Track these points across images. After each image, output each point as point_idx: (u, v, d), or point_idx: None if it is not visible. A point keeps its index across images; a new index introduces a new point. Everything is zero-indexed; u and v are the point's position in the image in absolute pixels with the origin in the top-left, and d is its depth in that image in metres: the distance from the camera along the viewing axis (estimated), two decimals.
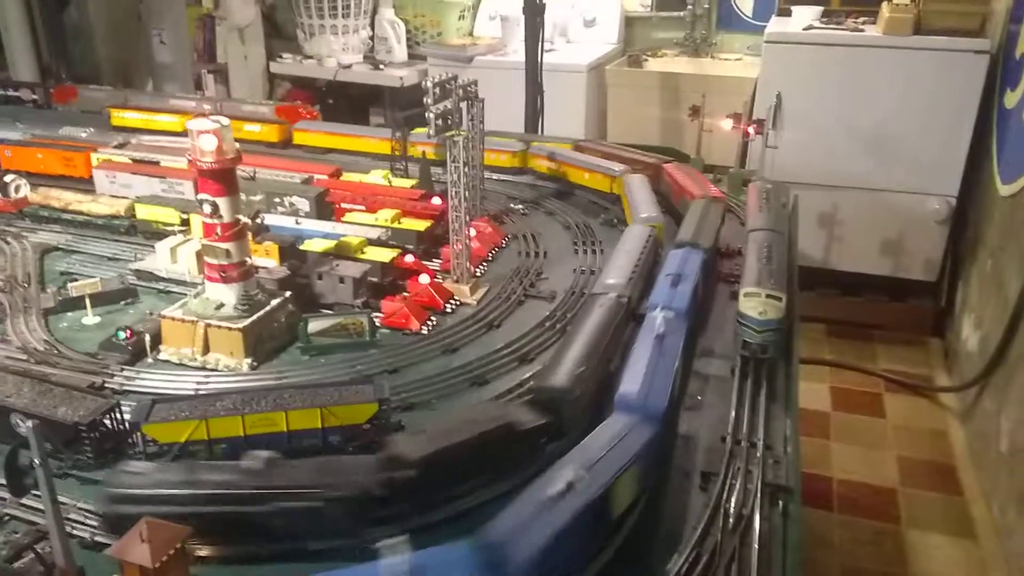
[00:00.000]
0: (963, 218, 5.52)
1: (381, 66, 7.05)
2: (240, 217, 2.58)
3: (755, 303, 2.45)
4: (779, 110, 3.74)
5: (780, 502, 1.95)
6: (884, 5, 5.33)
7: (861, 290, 5.94)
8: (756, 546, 1.79)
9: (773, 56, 5.45)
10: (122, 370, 2.51)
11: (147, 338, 2.62)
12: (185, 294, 2.79)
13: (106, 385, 2.44)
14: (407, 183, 3.80)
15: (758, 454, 2.09)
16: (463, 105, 3.05)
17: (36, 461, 1.45)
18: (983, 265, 4.95)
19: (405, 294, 2.92)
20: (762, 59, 5.53)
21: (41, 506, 1.60)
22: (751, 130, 3.85)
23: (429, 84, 2.81)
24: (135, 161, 3.93)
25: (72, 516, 1.88)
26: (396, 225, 3.29)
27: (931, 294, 5.86)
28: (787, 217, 3.32)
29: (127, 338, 2.60)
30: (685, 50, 7.01)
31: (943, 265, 5.67)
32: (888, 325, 5.91)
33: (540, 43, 5.47)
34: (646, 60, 6.72)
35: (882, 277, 5.80)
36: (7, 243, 3.44)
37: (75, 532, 1.85)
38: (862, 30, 5.42)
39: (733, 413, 2.26)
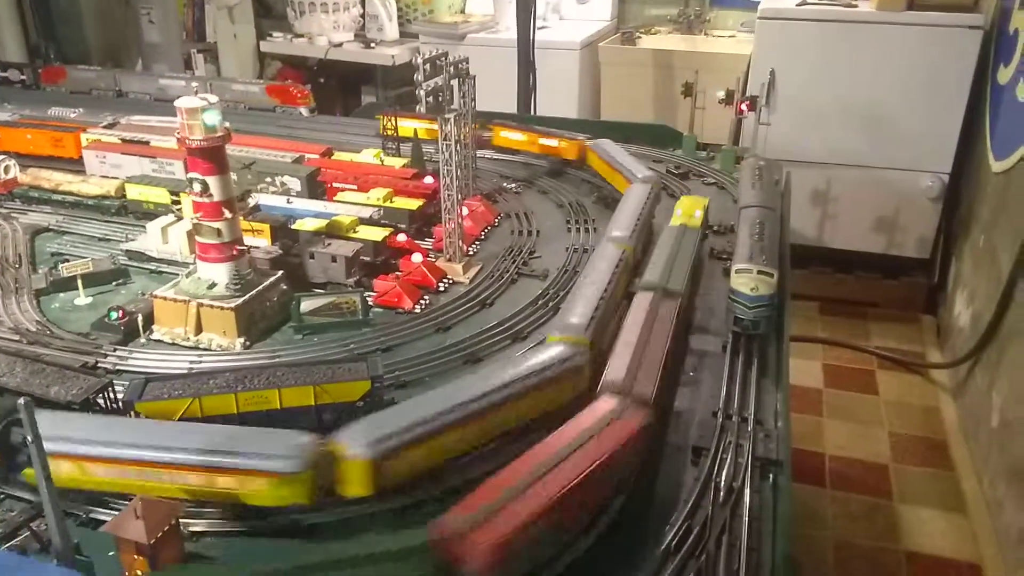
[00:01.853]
0: (956, 195, 5.52)
1: (372, 44, 7.00)
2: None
3: (746, 279, 2.46)
4: (772, 87, 3.74)
5: (770, 475, 1.96)
6: None
7: (854, 267, 5.95)
8: (746, 518, 1.81)
9: (766, 33, 5.42)
10: (115, 350, 2.51)
11: (139, 318, 2.62)
12: (177, 274, 2.79)
13: (99, 365, 2.44)
14: (399, 162, 3.79)
15: (749, 428, 2.10)
16: (454, 82, 3.04)
17: (29, 438, 1.45)
18: (976, 241, 4.97)
19: (398, 273, 2.92)
20: (755, 36, 5.51)
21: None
22: (744, 107, 3.84)
23: (420, 61, 2.79)
24: (125, 141, 3.91)
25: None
26: (388, 204, 3.28)
27: (924, 271, 5.87)
28: (779, 194, 3.32)
29: (119, 318, 2.60)
30: (678, 27, 6.97)
31: (936, 242, 5.69)
32: (881, 302, 5.93)
33: (532, 20, 5.43)
34: (639, 37, 6.68)
35: (875, 254, 5.81)
36: None
37: (70, 509, 1.86)
38: (855, 6, 5.39)
39: (724, 388, 2.27)
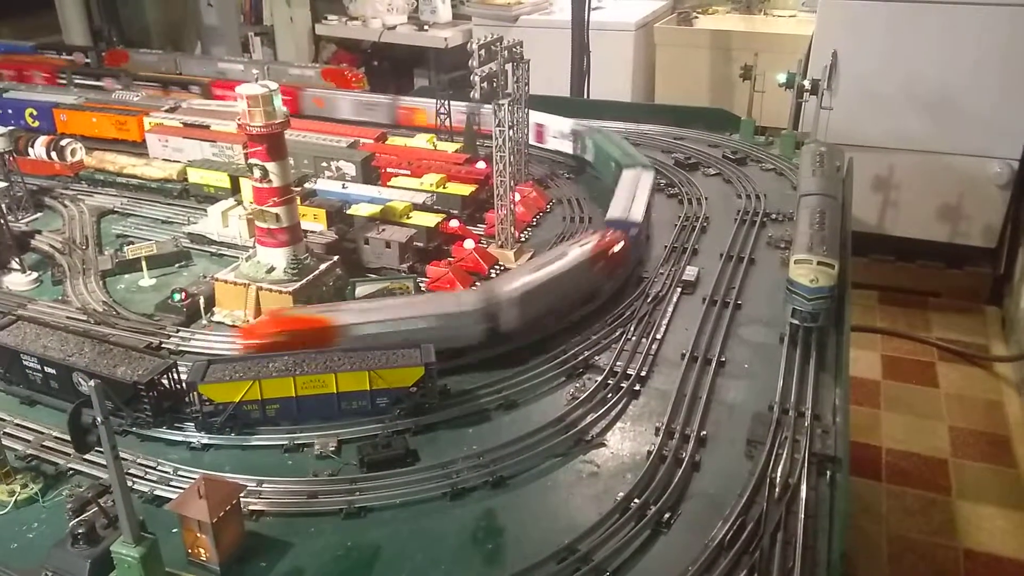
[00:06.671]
0: None
1: (425, 27, 7.00)
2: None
3: (806, 270, 2.41)
4: (835, 69, 3.61)
5: (828, 472, 1.93)
6: None
7: (916, 256, 5.77)
8: (802, 515, 1.78)
9: (829, 13, 5.25)
10: (178, 331, 2.58)
11: (201, 300, 2.69)
12: (237, 257, 2.84)
13: (163, 346, 2.51)
14: (451, 147, 3.79)
15: (806, 423, 2.06)
16: (508, 67, 3.02)
17: (99, 419, 1.50)
18: None
19: (450, 259, 2.93)
20: (818, 16, 5.34)
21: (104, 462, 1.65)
22: (806, 83, 3.70)
23: (474, 47, 2.78)
24: (186, 125, 3.98)
25: (133, 471, 1.96)
26: (441, 190, 3.30)
27: (989, 260, 5.67)
28: (841, 181, 3.23)
29: (182, 300, 2.67)
30: (737, 6, 6.80)
31: (1003, 230, 5.48)
32: (943, 292, 5.75)
33: (587, 1, 5.36)
34: (696, 17, 6.55)
35: (938, 243, 5.62)
36: (64, 206, 3.54)
37: (136, 487, 1.93)
38: None
39: (781, 382, 2.23)
